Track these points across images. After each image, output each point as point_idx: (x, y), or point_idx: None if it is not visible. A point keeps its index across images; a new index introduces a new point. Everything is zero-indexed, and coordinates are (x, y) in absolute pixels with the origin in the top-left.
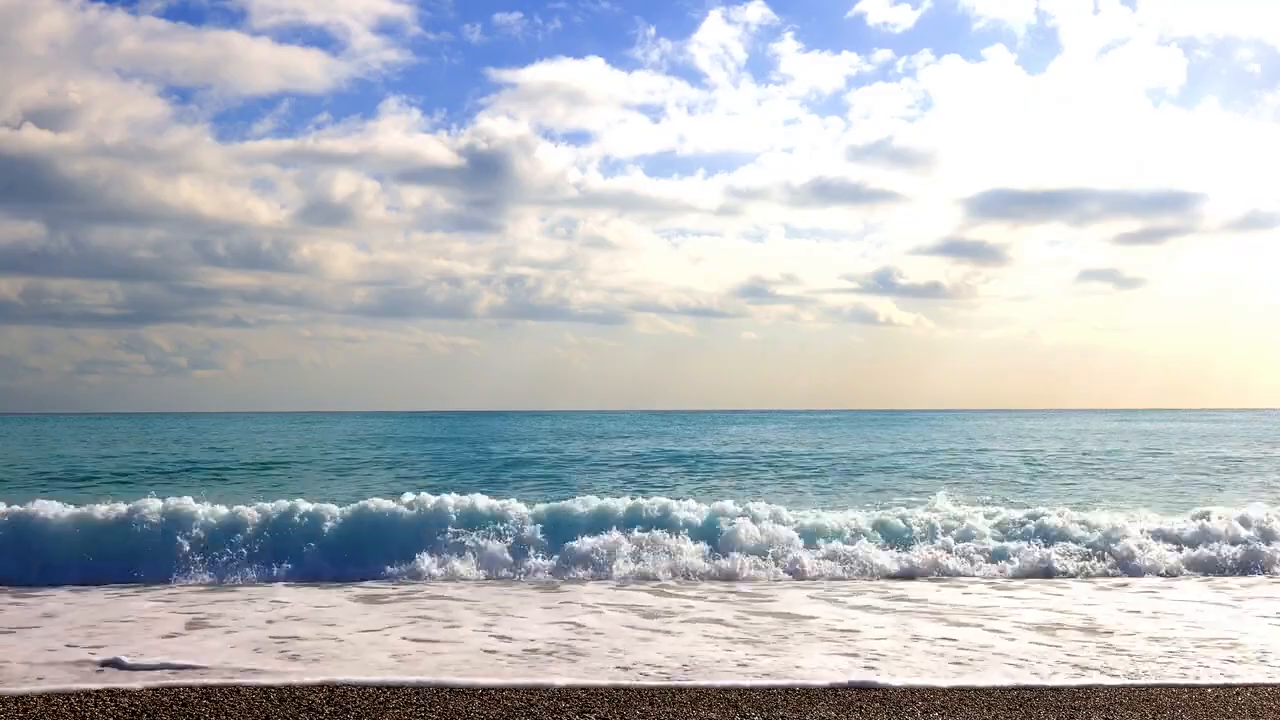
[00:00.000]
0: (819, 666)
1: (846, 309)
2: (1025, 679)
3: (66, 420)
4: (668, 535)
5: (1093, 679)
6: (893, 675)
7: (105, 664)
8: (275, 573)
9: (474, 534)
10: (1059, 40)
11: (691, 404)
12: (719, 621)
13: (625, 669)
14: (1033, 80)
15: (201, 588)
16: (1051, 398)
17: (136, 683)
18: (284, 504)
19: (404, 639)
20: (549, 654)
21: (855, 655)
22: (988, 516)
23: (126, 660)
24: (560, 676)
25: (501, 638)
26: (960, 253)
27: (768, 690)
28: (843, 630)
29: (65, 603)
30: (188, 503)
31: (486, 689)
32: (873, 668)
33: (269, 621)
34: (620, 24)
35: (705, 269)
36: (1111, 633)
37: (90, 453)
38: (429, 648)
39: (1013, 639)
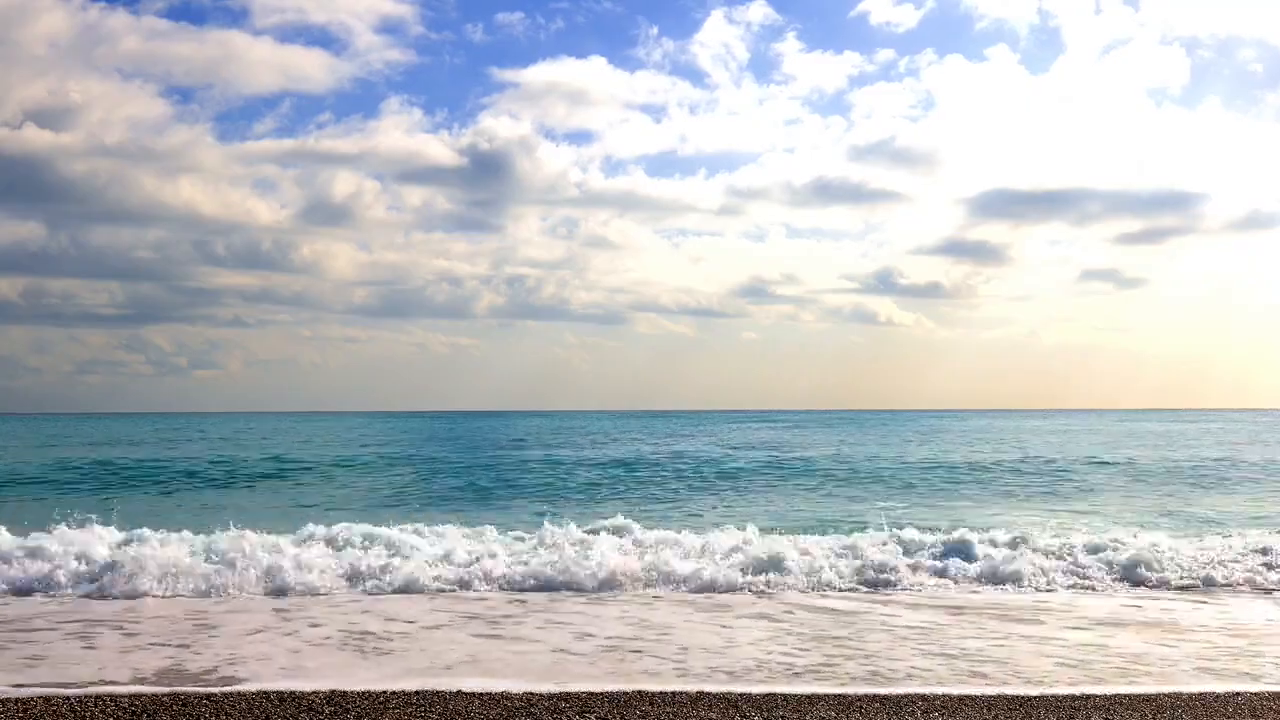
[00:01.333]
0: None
1: (847, 309)
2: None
3: (66, 420)
4: None
5: (1092, 685)
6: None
7: None
8: None
9: None
10: (1061, 40)
11: (691, 404)
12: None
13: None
14: (1035, 80)
15: None
16: (1051, 398)
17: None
18: None
19: None
20: None
21: (953, 656)
22: None
23: None
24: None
25: None
26: (961, 253)
27: (768, 692)
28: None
29: None
30: None
31: (487, 690)
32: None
33: None
34: (622, 24)
35: (705, 269)
36: None
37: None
38: None
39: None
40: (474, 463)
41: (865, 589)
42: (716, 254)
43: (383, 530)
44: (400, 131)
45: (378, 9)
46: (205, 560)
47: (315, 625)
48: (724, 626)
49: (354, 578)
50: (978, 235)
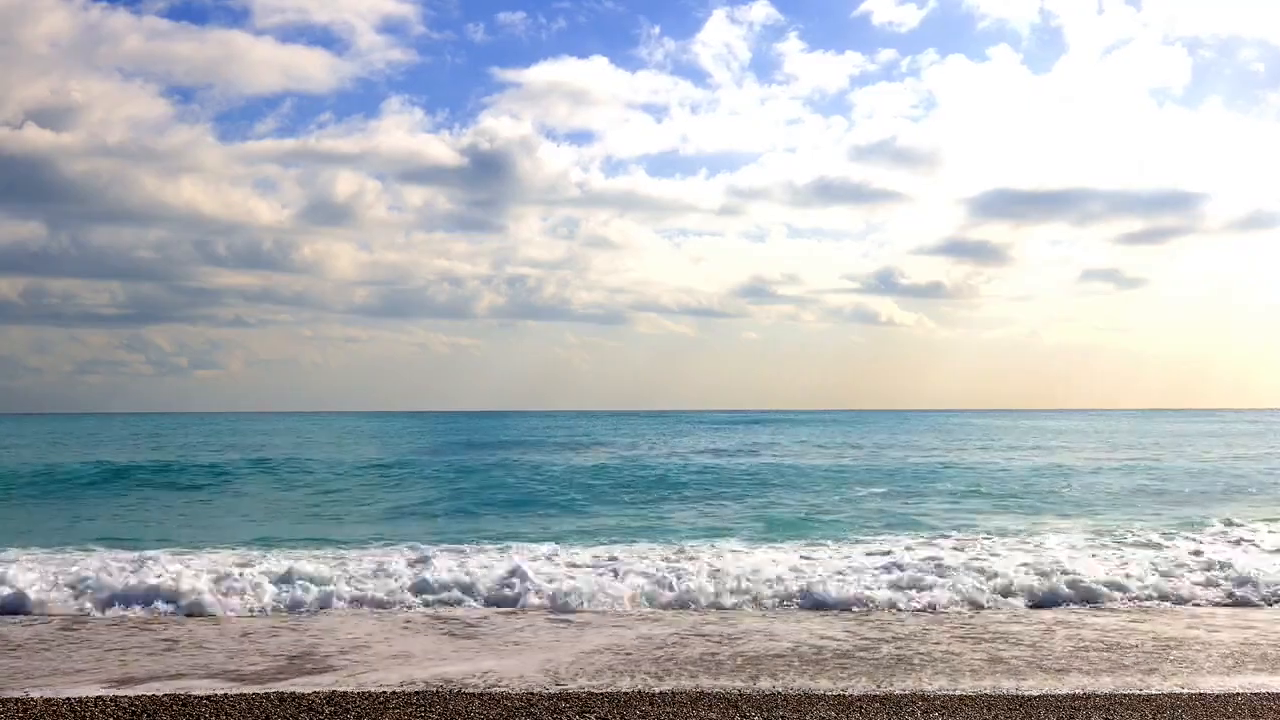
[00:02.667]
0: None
1: (847, 309)
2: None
3: (67, 420)
4: None
5: (1093, 684)
6: None
7: None
8: None
9: None
10: (1064, 40)
11: (691, 404)
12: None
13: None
14: (1037, 80)
15: None
16: (1052, 398)
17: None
18: None
19: None
20: None
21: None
22: None
23: None
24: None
25: None
26: (962, 253)
27: (769, 692)
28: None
29: None
30: None
31: (487, 690)
32: None
33: None
34: (624, 23)
35: (706, 269)
36: None
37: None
38: None
39: None
40: (424, 468)
41: None
42: (717, 254)
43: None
44: (401, 131)
45: (380, 8)
46: None
47: None
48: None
49: None
50: (979, 235)
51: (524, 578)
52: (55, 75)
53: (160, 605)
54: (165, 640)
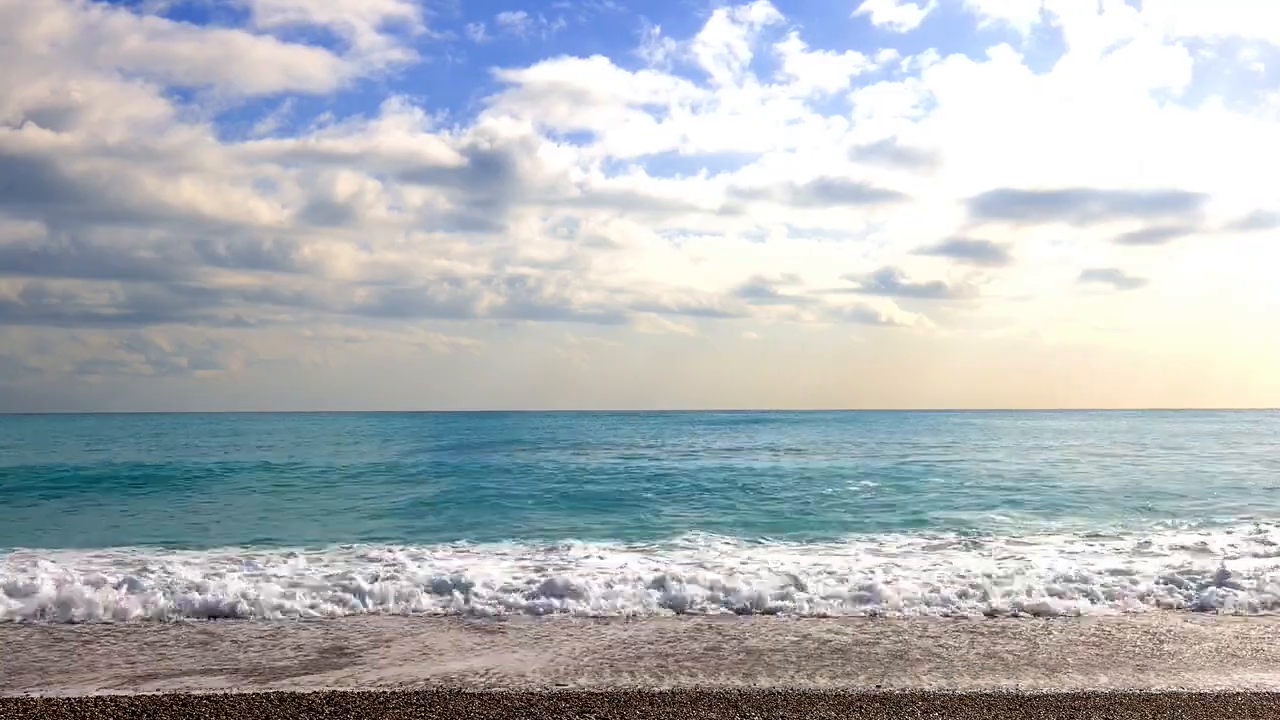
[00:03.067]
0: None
1: (848, 309)
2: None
3: (67, 420)
4: None
5: (1093, 683)
6: None
7: None
8: None
9: None
10: (1064, 40)
11: (691, 404)
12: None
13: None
14: (1037, 80)
15: None
16: (1052, 398)
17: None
18: None
19: None
20: None
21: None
22: None
23: None
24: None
25: None
26: (962, 253)
27: (768, 692)
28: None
29: None
30: None
31: (487, 690)
32: None
33: None
34: (625, 23)
35: (706, 269)
36: None
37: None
38: None
39: None
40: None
41: None
42: (717, 254)
43: None
44: (401, 131)
45: (380, 8)
46: None
47: None
48: None
49: None
50: (979, 235)
51: (532, 576)
52: (55, 75)
53: (190, 601)
54: (204, 634)
